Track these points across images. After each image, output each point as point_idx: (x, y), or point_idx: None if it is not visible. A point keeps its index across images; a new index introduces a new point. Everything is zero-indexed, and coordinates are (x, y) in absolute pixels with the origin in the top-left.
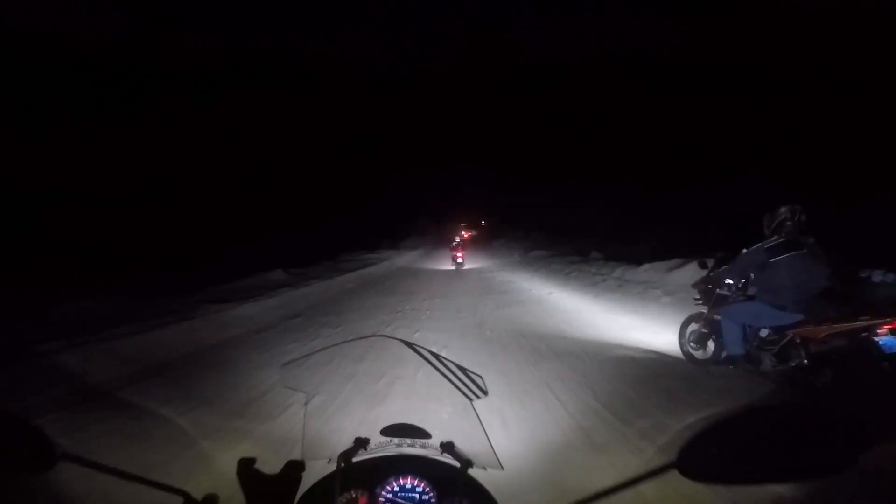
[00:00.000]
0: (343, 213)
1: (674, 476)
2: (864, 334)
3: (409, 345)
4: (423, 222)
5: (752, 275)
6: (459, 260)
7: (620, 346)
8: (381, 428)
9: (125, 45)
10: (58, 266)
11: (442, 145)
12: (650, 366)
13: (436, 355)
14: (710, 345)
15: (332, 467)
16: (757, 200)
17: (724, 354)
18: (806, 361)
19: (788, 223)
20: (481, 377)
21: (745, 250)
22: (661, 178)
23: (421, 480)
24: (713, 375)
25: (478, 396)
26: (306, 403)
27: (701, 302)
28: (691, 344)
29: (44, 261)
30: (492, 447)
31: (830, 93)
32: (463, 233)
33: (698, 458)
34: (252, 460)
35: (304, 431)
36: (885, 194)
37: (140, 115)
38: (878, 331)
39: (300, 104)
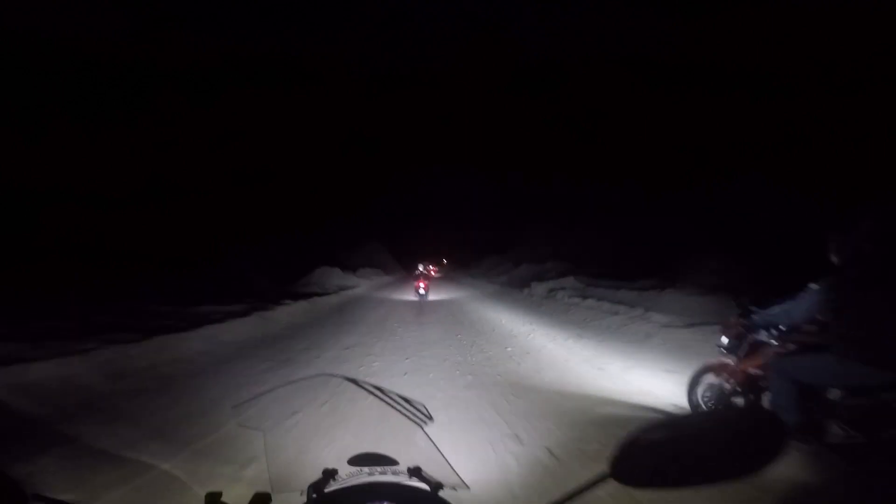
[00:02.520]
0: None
1: (610, 484)
2: None
3: (354, 381)
4: (372, 254)
5: (821, 318)
6: (422, 291)
7: (606, 403)
8: (347, 458)
9: (125, 45)
10: (58, 266)
11: (438, 147)
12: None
13: (380, 389)
14: (738, 403)
15: (303, 499)
16: (757, 201)
17: None
18: None
19: (872, 244)
20: (424, 405)
21: (812, 286)
22: (661, 179)
23: None
24: None
25: (426, 422)
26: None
27: (726, 349)
28: (707, 402)
29: (44, 261)
30: (453, 468)
31: (830, 93)
32: (429, 268)
33: (632, 464)
34: (218, 494)
35: (268, 464)
36: (885, 194)
37: (140, 115)
38: None
39: (300, 104)
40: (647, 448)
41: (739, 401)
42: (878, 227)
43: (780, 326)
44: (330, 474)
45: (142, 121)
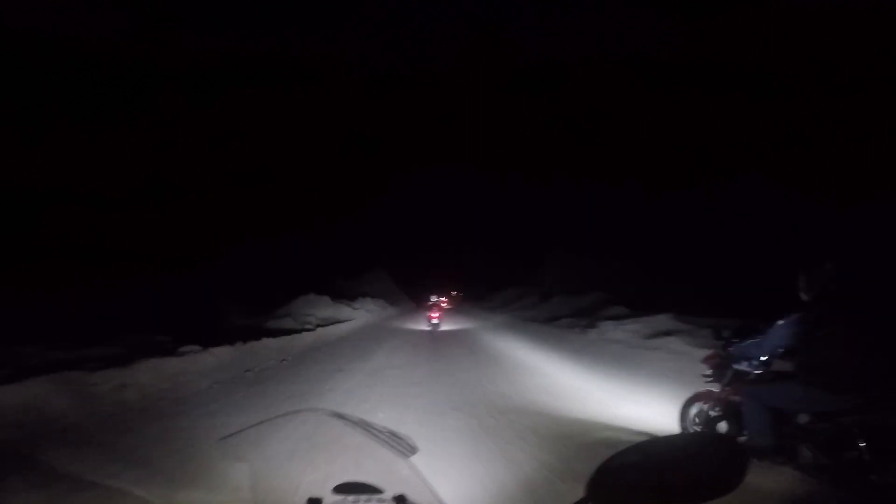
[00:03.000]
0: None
1: None
2: None
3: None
4: (374, 283)
5: (789, 349)
6: (435, 321)
7: (606, 427)
8: (332, 487)
9: (125, 45)
10: (58, 266)
11: (445, 151)
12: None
13: (365, 422)
14: (722, 428)
15: None
16: (757, 202)
17: (747, 445)
18: (867, 456)
19: (836, 283)
20: (409, 437)
21: (780, 321)
22: (661, 179)
23: None
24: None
25: (411, 453)
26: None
27: (711, 379)
28: (696, 428)
29: (44, 261)
30: (437, 496)
31: (830, 93)
32: (441, 300)
33: (608, 489)
34: None
35: (253, 495)
36: (885, 194)
37: (140, 115)
38: None
39: (300, 104)
40: (622, 471)
41: (723, 425)
42: (841, 268)
43: (754, 358)
44: (315, 503)
45: (142, 121)
